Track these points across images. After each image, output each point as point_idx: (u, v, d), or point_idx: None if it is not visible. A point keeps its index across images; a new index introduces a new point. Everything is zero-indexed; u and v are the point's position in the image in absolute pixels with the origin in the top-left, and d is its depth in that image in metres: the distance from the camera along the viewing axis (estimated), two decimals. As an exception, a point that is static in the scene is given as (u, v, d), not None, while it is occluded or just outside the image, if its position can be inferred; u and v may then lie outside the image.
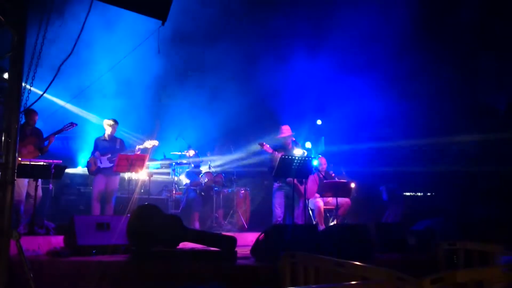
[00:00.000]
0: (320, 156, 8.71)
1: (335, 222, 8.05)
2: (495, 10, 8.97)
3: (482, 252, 4.30)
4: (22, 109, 3.56)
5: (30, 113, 7.19)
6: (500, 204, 7.88)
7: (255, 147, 9.08)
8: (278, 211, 7.73)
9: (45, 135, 7.27)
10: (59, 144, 9.60)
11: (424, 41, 9.54)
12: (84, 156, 9.52)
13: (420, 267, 5.18)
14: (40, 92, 4.01)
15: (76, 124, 7.42)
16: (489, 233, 6.57)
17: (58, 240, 5.85)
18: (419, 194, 9.55)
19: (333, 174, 8.78)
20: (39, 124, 7.48)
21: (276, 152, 7.53)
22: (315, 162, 7.73)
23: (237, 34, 10.35)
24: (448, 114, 9.55)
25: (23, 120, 7.13)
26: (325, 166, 8.50)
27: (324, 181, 8.00)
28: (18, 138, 3.45)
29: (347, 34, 9.89)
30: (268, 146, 7.63)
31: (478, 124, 9.15)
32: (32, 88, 3.78)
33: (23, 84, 3.43)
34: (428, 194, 9.48)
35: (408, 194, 9.56)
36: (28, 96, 3.71)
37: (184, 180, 9.46)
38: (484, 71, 9.25)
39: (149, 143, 7.99)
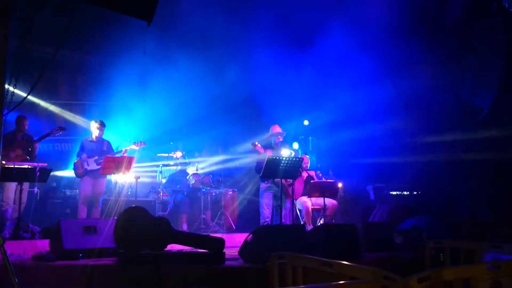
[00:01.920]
0: (303, 155, 8.77)
1: (322, 222, 8.08)
2: (478, 9, 9.08)
3: (468, 250, 4.35)
4: (5, 111, 3.51)
5: (20, 119, 7.15)
6: (486, 202, 7.97)
7: (243, 148, 9.08)
8: (266, 211, 7.74)
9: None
10: (48, 147, 9.53)
11: (408, 39, 9.59)
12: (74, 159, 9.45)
13: (407, 266, 5.22)
14: (24, 95, 3.97)
15: (65, 129, 7.35)
16: (475, 231, 6.65)
17: (43, 244, 5.78)
18: (405, 193, 9.62)
19: (320, 174, 8.81)
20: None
21: (268, 152, 7.55)
22: (304, 161, 7.77)
23: (223, 33, 10.32)
24: (433, 113, 9.63)
25: (13, 127, 7.12)
26: (306, 166, 8.52)
27: (312, 181, 8.03)
28: (2, 142, 3.39)
29: (333, 35, 9.92)
30: (260, 146, 7.64)
31: (462, 123, 9.24)
32: (15, 90, 3.73)
33: (6, 86, 3.38)
34: (415, 193, 9.55)
35: (395, 193, 9.63)
36: (11, 98, 3.66)
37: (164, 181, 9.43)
38: (468, 69, 9.34)
39: (137, 145, 7.95)
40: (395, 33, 9.57)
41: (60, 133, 7.29)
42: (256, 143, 7.66)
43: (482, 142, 8.66)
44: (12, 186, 6.81)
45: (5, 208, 6.76)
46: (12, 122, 7.18)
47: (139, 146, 7.97)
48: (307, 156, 8.76)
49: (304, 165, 8.33)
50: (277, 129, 8.08)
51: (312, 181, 8.10)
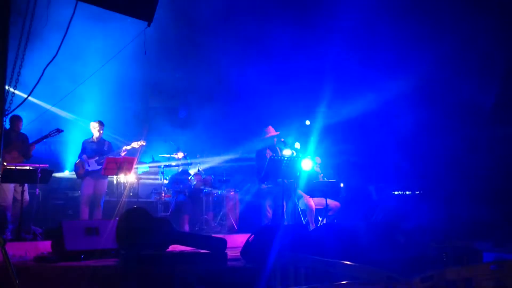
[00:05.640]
0: (314, 156, 8.80)
1: (324, 222, 8.06)
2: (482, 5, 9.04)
3: (471, 250, 4.33)
4: (6, 113, 3.50)
5: (14, 119, 7.10)
6: (488, 202, 7.94)
7: (244, 148, 9.05)
8: (268, 212, 7.72)
9: (31, 140, 7.18)
10: (46, 148, 9.50)
11: (407, 37, 9.56)
12: (71, 160, 9.40)
13: (410, 265, 5.20)
14: (25, 96, 3.96)
15: (62, 131, 7.32)
16: (478, 231, 6.63)
17: (45, 246, 5.78)
18: (408, 192, 9.59)
19: (321, 174, 8.80)
20: (24, 129, 7.38)
21: (268, 152, 7.55)
22: (305, 162, 7.76)
23: (223, 35, 10.31)
24: (435, 110, 9.60)
25: (7, 126, 7.07)
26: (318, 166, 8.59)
27: (314, 181, 8.03)
28: (2, 144, 3.38)
29: (334, 34, 9.90)
30: (269, 151, 7.67)
31: (465, 120, 9.21)
32: (16, 91, 3.72)
33: (7, 87, 3.37)
34: (417, 192, 9.52)
35: (397, 193, 9.59)
36: (11, 100, 3.65)
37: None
38: (472, 66, 9.29)
39: (136, 144, 7.94)
40: (396, 30, 9.54)
41: (58, 134, 7.28)
42: (268, 150, 7.71)
43: (485, 140, 8.63)
44: (8, 187, 6.75)
45: (3, 209, 6.72)
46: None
47: (139, 145, 7.96)
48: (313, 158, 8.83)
49: (317, 165, 8.41)
50: (271, 130, 8.06)
51: (314, 181, 8.10)
